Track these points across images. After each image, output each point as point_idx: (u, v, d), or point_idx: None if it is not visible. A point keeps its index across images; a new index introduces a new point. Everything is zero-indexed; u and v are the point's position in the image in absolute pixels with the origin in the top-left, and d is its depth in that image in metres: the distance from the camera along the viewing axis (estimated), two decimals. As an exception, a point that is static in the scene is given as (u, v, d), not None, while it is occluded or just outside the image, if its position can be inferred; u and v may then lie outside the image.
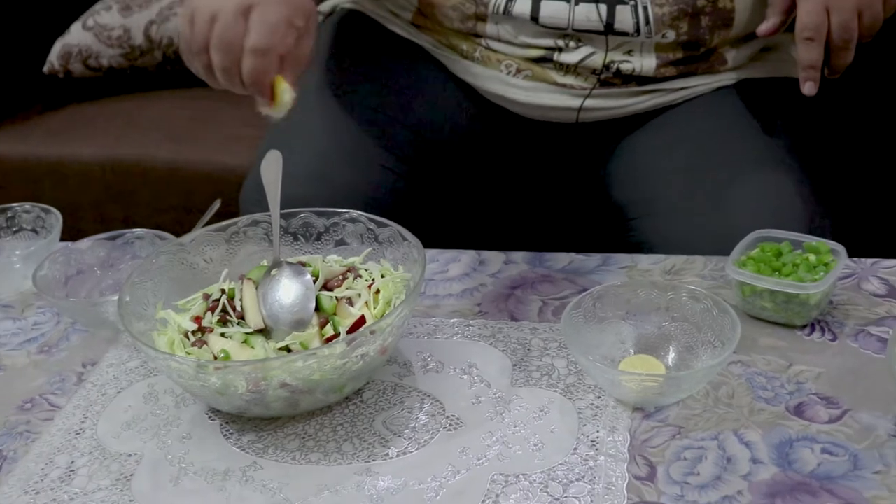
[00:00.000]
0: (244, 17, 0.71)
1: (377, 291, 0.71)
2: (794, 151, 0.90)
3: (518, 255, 0.84)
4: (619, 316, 0.71)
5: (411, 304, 0.67)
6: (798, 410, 0.65)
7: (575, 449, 0.63)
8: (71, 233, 0.92)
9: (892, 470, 0.60)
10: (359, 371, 0.67)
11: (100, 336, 0.80)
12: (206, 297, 0.73)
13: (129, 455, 0.67)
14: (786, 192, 0.85)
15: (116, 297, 0.70)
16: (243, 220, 0.78)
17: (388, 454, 0.64)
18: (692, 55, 0.91)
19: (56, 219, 0.90)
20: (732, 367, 0.69)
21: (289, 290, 0.70)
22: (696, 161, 0.89)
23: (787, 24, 0.83)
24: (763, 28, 0.83)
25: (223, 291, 0.73)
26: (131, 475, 0.65)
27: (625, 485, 0.60)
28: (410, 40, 0.99)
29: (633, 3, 0.86)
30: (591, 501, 0.59)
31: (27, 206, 0.92)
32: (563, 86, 0.91)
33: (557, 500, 0.60)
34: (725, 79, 0.93)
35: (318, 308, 0.70)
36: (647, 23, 0.87)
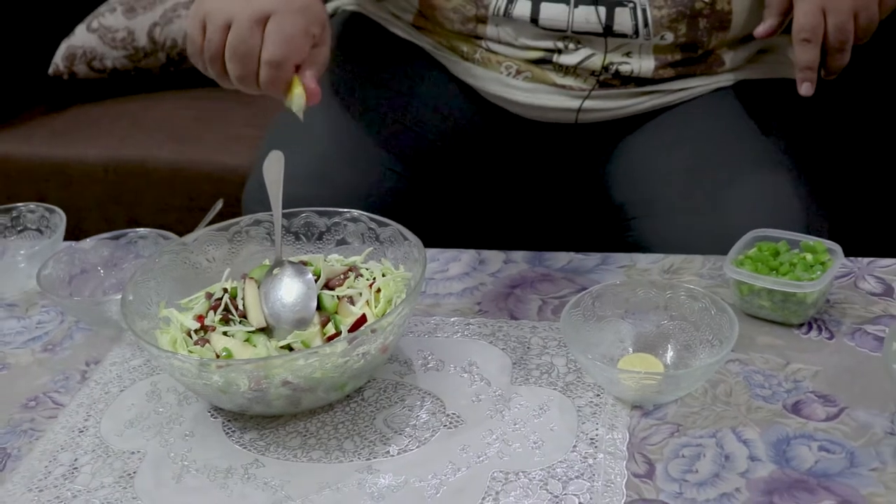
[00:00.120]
0: (260, 26, 0.71)
1: (378, 290, 0.72)
2: (792, 152, 0.90)
3: (518, 255, 0.85)
4: (618, 315, 0.71)
5: (412, 303, 0.68)
6: (795, 408, 0.66)
7: (574, 447, 0.64)
8: (75, 232, 0.92)
9: (889, 467, 0.60)
10: (360, 369, 0.67)
11: (103, 335, 0.80)
12: (209, 296, 0.74)
13: (132, 453, 0.67)
14: (783, 192, 0.86)
15: (120, 296, 0.71)
16: (245, 219, 0.79)
17: (388, 452, 0.65)
18: (690, 57, 0.91)
19: (60, 218, 0.90)
20: (730, 365, 0.70)
21: (290, 289, 0.71)
22: (695, 161, 0.90)
23: (784, 25, 0.83)
24: (760, 30, 0.83)
25: (226, 290, 0.73)
26: (134, 473, 0.65)
27: (624, 482, 0.61)
28: (411, 42, 0.99)
29: (631, 5, 0.87)
30: (591, 499, 0.60)
31: (32, 205, 0.92)
32: (563, 87, 0.92)
33: (557, 497, 0.60)
34: (723, 80, 0.94)
35: (319, 307, 0.70)
36: (646, 25, 0.88)
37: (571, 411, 0.67)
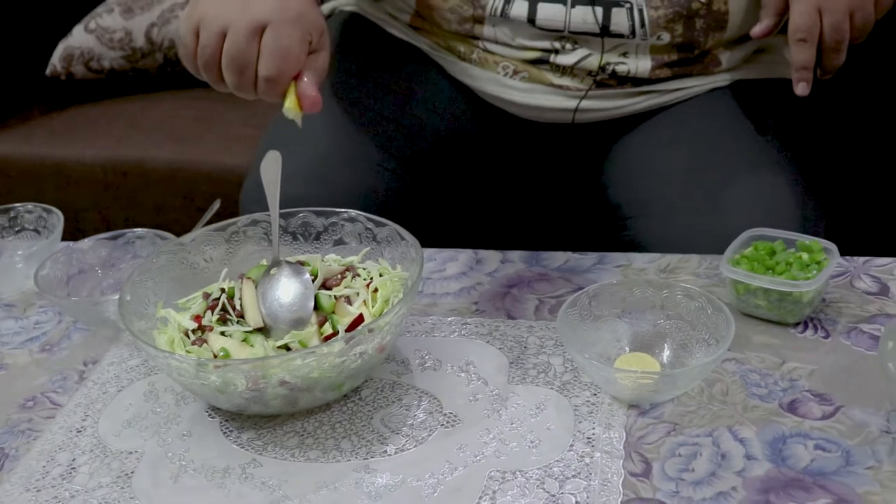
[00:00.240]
0: (256, 36, 0.70)
1: (375, 290, 0.72)
2: (788, 151, 0.90)
3: (515, 254, 0.85)
4: (615, 314, 0.72)
5: (409, 303, 0.68)
6: (791, 407, 0.66)
7: (571, 446, 0.64)
8: (72, 233, 0.92)
9: (884, 466, 0.60)
10: (357, 369, 0.67)
11: (101, 335, 0.80)
12: (206, 296, 0.74)
13: (130, 452, 0.67)
14: (779, 192, 0.86)
15: (117, 297, 0.71)
16: (243, 219, 0.79)
17: (386, 451, 0.65)
18: (687, 57, 0.91)
19: (58, 219, 0.90)
20: (727, 364, 0.70)
21: (288, 289, 0.71)
22: (691, 161, 0.90)
23: (781, 25, 0.84)
24: (757, 30, 0.84)
25: (223, 290, 0.73)
26: (132, 472, 0.65)
27: (620, 481, 0.61)
28: (408, 42, 0.99)
29: (628, 5, 0.87)
30: (588, 498, 0.60)
31: (29, 206, 0.92)
32: (560, 87, 0.92)
33: (554, 496, 0.60)
34: (719, 80, 0.94)
35: (316, 307, 0.70)
36: (643, 25, 0.88)
37: (568, 410, 0.67)
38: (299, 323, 0.69)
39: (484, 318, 0.77)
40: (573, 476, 0.61)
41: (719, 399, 0.67)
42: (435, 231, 0.89)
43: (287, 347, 0.68)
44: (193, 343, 0.69)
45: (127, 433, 0.69)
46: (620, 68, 0.91)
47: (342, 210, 0.78)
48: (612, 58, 0.90)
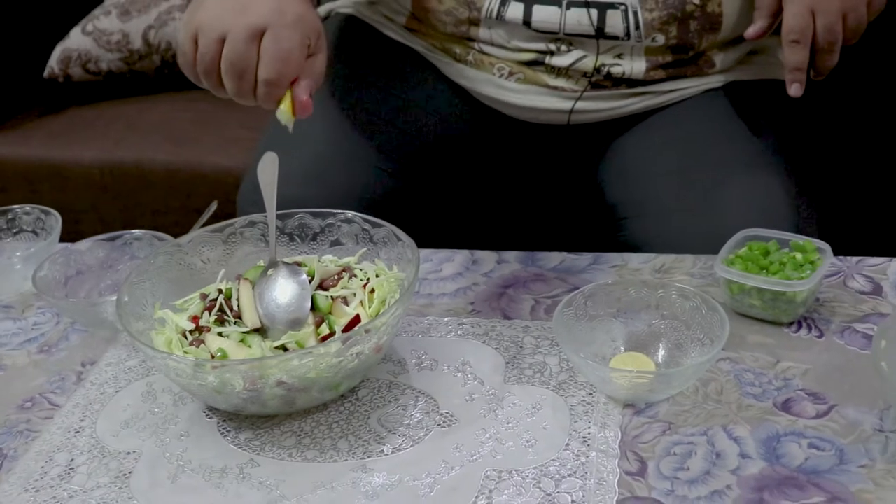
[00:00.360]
0: (255, 41, 0.69)
1: (372, 291, 0.72)
2: (781, 152, 0.91)
3: (511, 255, 0.85)
4: (610, 314, 0.72)
5: (405, 303, 0.68)
6: (785, 406, 0.66)
7: (567, 445, 0.64)
8: (70, 234, 0.92)
9: (878, 464, 0.61)
10: (354, 369, 0.67)
11: (99, 336, 0.80)
12: (204, 297, 0.74)
13: (128, 453, 0.68)
14: (773, 193, 0.86)
15: (115, 298, 0.71)
16: (240, 220, 0.79)
17: (383, 451, 0.65)
18: (681, 58, 0.92)
19: (56, 220, 0.90)
20: (721, 363, 0.70)
21: (285, 290, 0.71)
22: (686, 162, 0.90)
23: (774, 27, 0.84)
24: (750, 31, 0.84)
25: (220, 291, 0.73)
26: (130, 473, 0.66)
27: (616, 480, 0.61)
28: (404, 44, 1.00)
29: (623, 7, 0.87)
30: (583, 497, 0.60)
31: (27, 207, 0.92)
32: (555, 88, 0.93)
33: (550, 495, 0.60)
34: (713, 81, 0.94)
35: (313, 307, 0.71)
36: (637, 27, 0.88)
37: (564, 410, 0.67)
38: (296, 323, 0.70)
39: (480, 318, 0.78)
40: (569, 475, 0.62)
41: (714, 398, 0.67)
42: (431, 232, 0.89)
43: (284, 348, 0.68)
44: (191, 344, 0.69)
45: (125, 433, 0.69)
46: (615, 70, 0.91)
47: (339, 211, 0.78)
48: (607, 59, 0.91)
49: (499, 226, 1.07)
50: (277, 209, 0.75)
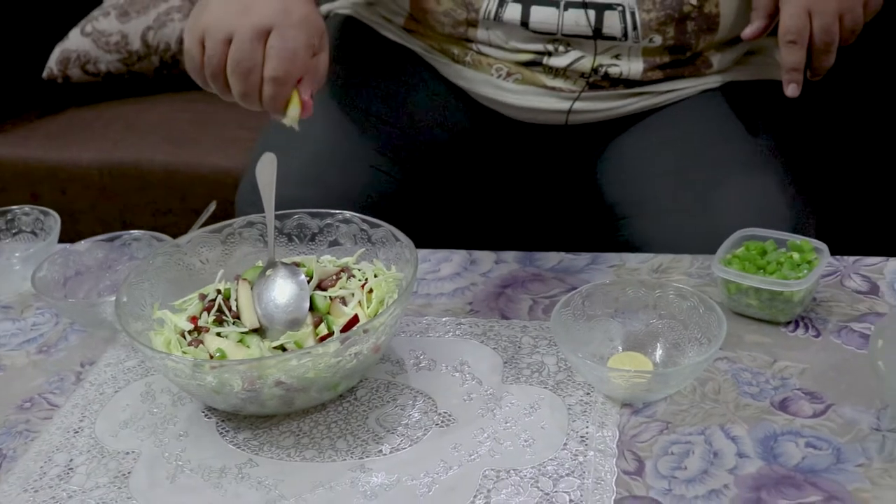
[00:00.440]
0: (262, 41, 0.70)
1: (370, 291, 0.72)
2: (778, 152, 0.91)
3: (509, 255, 0.85)
4: (608, 314, 0.72)
5: (404, 303, 0.68)
6: (783, 405, 0.66)
7: (565, 444, 0.64)
8: (69, 235, 0.92)
9: (875, 463, 0.61)
10: (352, 369, 0.68)
11: (98, 336, 0.81)
12: (203, 297, 0.74)
13: (127, 453, 0.68)
14: (770, 192, 0.87)
15: (114, 298, 0.71)
16: (239, 221, 0.79)
17: (381, 451, 0.65)
18: (678, 59, 0.92)
19: (55, 221, 0.90)
20: (718, 363, 0.70)
21: (283, 290, 0.71)
22: (683, 162, 0.90)
23: (771, 27, 0.84)
24: (747, 32, 0.84)
25: (219, 292, 0.74)
26: (129, 473, 0.66)
27: (613, 479, 0.61)
28: (402, 45, 1.00)
29: (620, 8, 0.88)
30: (581, 496, 0.60)
31: (26, 208, 0.93)
32: (553, 89, 0.93)
33: (548, 494, 0.60)
34: (711, 81, 0.95)
35: (312, 307, 0.71)
36: (635, 28, 0.88)
37: (562, 409, 0.67)
38: (295, 324, 0.70)
39: (478, 318, 0.78)
40: (567, 474, 0.62)
41: (711, 398, 0.67)
42: (429, 232, 0.89)
43: (283, 348, 0.68)
44: (190, 344, 0.70)
45: (124, 434, 0.69)
46: (613, 70, 0.91)
47: (337, 211, 0.79)
48: (604, 60, 0.91)
49: (497, 226, 1.07)
50: (276, 209, 0.75)
